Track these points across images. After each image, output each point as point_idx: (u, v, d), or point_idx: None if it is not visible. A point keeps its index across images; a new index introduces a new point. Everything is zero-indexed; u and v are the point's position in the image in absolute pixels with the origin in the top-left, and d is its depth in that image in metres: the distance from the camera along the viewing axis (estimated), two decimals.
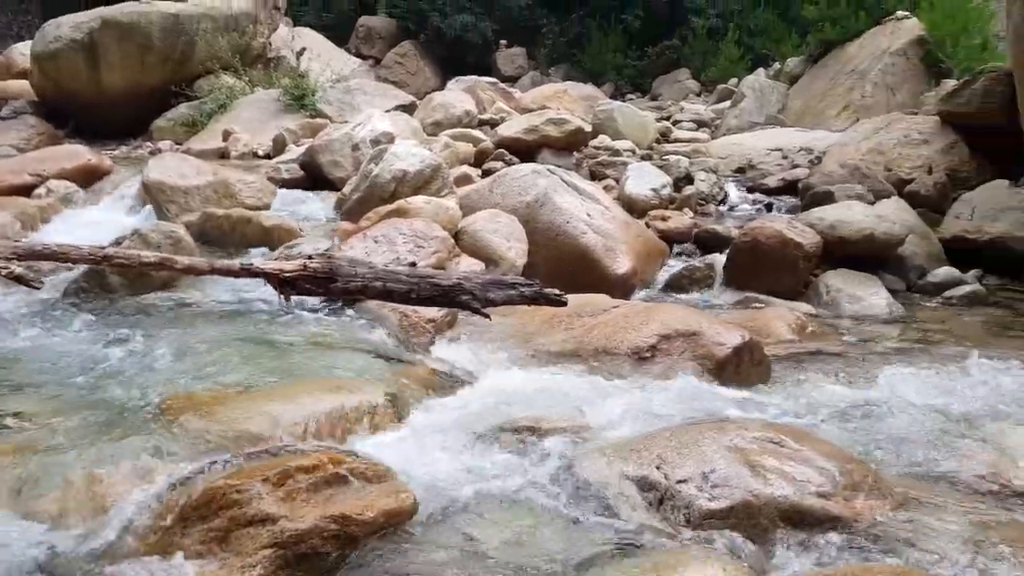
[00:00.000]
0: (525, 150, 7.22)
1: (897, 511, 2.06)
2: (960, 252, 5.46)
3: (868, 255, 5.14)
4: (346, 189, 5.64)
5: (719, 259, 5.33)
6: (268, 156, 7.78)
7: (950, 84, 7.55)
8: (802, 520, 1.99)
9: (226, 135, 8.40)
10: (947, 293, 5.08)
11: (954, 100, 6.58)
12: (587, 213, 4.98)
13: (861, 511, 2.00)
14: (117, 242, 3.89)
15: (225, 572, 1.80)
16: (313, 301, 3.41)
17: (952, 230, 5.60)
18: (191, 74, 10.13)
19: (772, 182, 7.07)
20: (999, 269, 5.33)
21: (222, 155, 8.04)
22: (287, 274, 2.52)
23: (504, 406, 2.85)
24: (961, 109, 6.49)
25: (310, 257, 2.57)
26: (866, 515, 1.99)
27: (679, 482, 2.12)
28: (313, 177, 6.40)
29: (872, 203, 5.70)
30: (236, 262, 2.77)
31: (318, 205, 5.80)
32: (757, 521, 1.99)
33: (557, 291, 2.73)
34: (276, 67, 11.29)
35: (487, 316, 2.74)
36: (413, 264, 2.73)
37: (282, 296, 2.56)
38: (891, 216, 5.38)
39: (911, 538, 1.95)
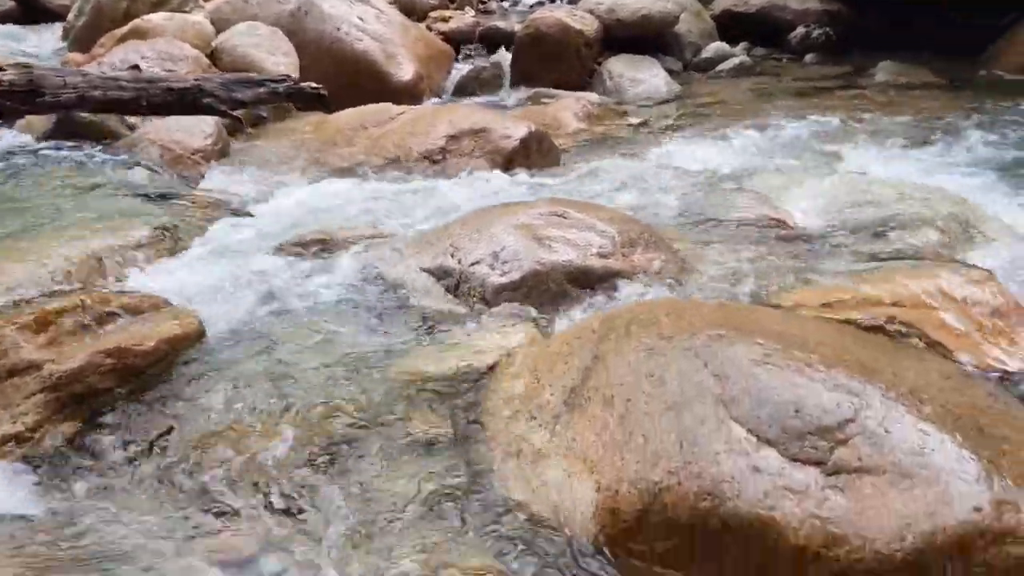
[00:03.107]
0: None
1: (671, 258, 2.20)
2: (730, 27, 5.67)
3: (645, 36, 5.25)
4: (70, 17, 5.10)
5: (506, 57, 5.25)
6: None
7: None
8: (586, 279, 2.11)
9: None
10: (719, 67, 5.33)
11: None
12: (359, 18, 4.68)
13: (638, 263, 2.13)
14: None
15: None
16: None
17: (722, 5, 5.80)
18: None
19: None
20: (764, 40, 5.62)
21: None
22: None
23: (293, 225, 2.75)
24: None
25: (2, 69, 2.20)
26: (643, 266, 2.12)
27: (472, 264, 2.17)
28: (28, 9, 5.77)
29: None
30: None
31: (41, 39, 5.25)
32: (547, 287, 2.09)
33: (314, 84, 2.54)
34: None
35: (239, 120, 2.52)
36: (136, 67, 2.42)
37: None
38: None
39: (681, 278, 2.12)
